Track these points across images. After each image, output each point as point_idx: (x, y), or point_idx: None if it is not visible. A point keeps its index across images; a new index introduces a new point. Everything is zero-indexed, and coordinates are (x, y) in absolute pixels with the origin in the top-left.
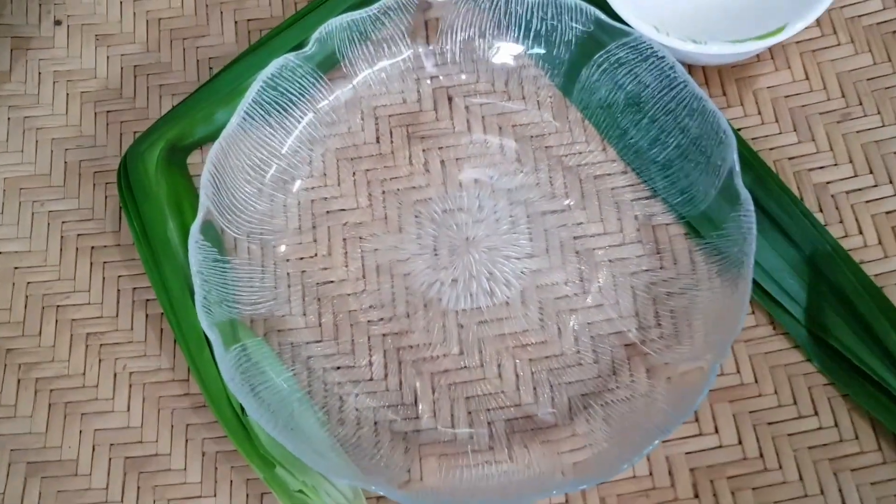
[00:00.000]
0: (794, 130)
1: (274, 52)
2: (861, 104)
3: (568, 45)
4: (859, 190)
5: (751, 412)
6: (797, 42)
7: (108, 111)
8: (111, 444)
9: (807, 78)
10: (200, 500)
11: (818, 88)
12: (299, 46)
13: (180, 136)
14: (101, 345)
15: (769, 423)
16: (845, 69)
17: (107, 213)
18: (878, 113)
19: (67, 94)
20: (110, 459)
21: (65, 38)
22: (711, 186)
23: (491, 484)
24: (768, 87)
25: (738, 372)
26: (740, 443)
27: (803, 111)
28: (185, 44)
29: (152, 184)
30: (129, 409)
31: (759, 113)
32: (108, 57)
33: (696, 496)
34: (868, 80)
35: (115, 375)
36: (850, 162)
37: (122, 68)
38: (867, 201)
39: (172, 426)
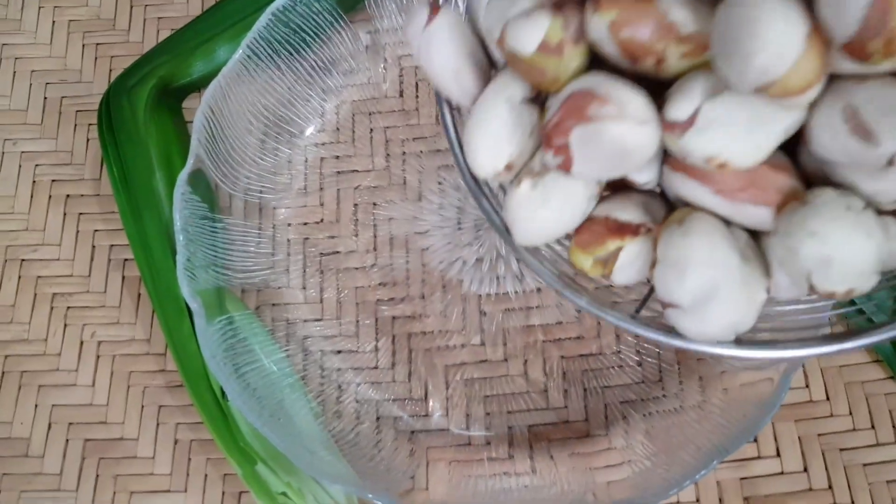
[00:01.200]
0: None
1: None
2: None
3: None
4: None
5: (820, 435)
6: None
7: (97, 43)
8: (70, 424)
9: None
10: (169, 496)
11: None
12: None
13: (174, 73)
14: (67, 307)
15: (841, 450)
16: None
17: (87, 159)
18: None
19: (54, 23)
20: (67, 441)
21: None
22: None
23: (509, 499)
24: None
25: (807, 387)
26: (805, 470)
27: None
28: None
29: (139, 126)
30: (93, 384)
31: None
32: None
33: None
34: None
35: (81, 344)
36: None
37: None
38: None
39: (143, 407)
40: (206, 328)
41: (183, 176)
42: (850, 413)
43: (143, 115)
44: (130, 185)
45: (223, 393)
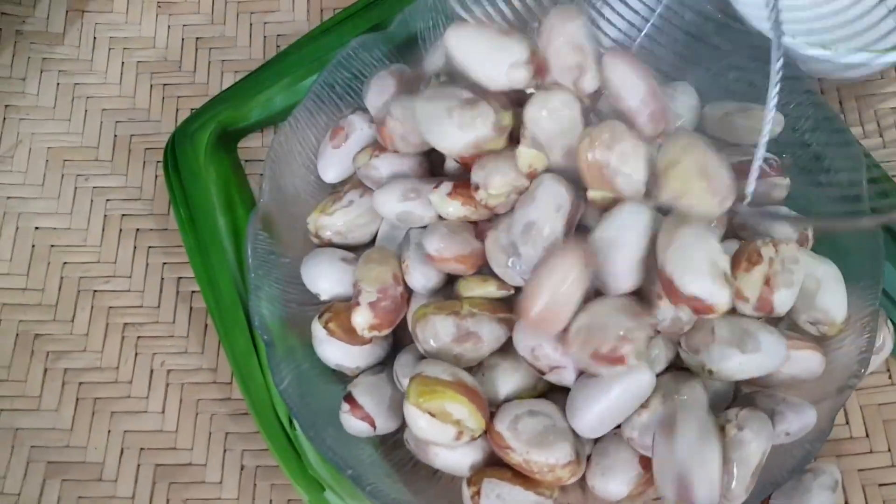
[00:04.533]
0: None
1: (348, 33)
2: None
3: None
4: None
5: (860, 471)
6: None
7: (164, 84)
8: (141, 449)
9: None
10: None
11: None
12: (375, 28)
13: (234, 118)
14: (138, 337)
15: (880, 485)
16: None
17: (156, 194)
18: None
19: (123, 63)
20: (139, 466)
21: (124, 3)
22: (835, 208)
23: None
24: (892, 108)
25: (848, 423)
26: None
27: None
28: (252, 18)
29: (201, 168)
30: (163, 411)
31: (881, 135)
32: (169, 26)
33: None
34: None
35: (151, 372)
36: None
37: (182, 39)
38: None
39: (210, 434)
40: (278, 359)
41: (255, 213)
42: (889, 450)
43: (204, 158)
44: (196, 224)
45: (291, 422)
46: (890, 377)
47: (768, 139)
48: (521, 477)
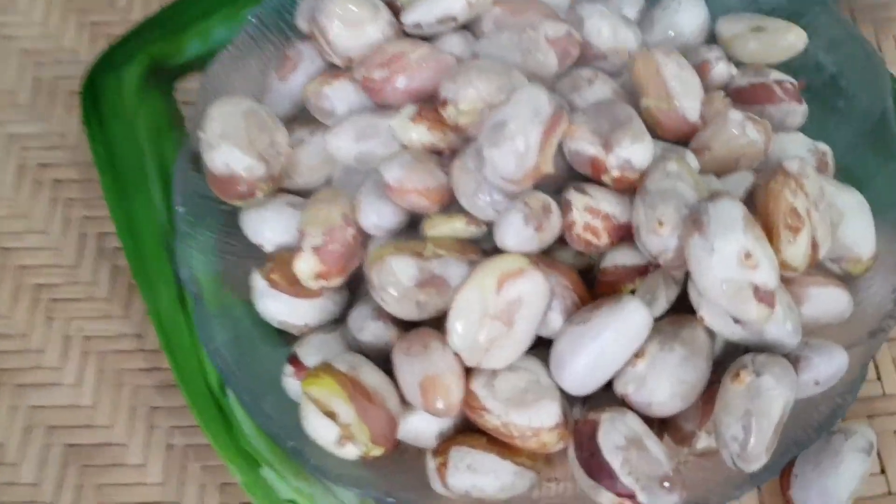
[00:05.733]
0: None
1: None
2: None
3: None
4: None
5: None
6: None
7: (92, 21)
8: (50, 427)
9: None
10: None
11: None
12: None
13: (166, 53)
14: (52, 299)
15: None
16: None
17: (79, 143)
18: None
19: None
20: (47, 446)
21: None
22: (856, 136)
23: None
24: None
25: (879, 379)
26: (883, 472)
27: None
28: None
29: (126, 106)
30: (78, 384)
31: None
32: None
33: None
34: None
35: (65, 339)
36: None
37: None
38: None
39: (133, 409)
40: (209, 316)
41: (185, 149)
42: None
43: (132, 96)
44: (117, 165)
45: (222, 389)
46: None
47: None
48: (497, 444)
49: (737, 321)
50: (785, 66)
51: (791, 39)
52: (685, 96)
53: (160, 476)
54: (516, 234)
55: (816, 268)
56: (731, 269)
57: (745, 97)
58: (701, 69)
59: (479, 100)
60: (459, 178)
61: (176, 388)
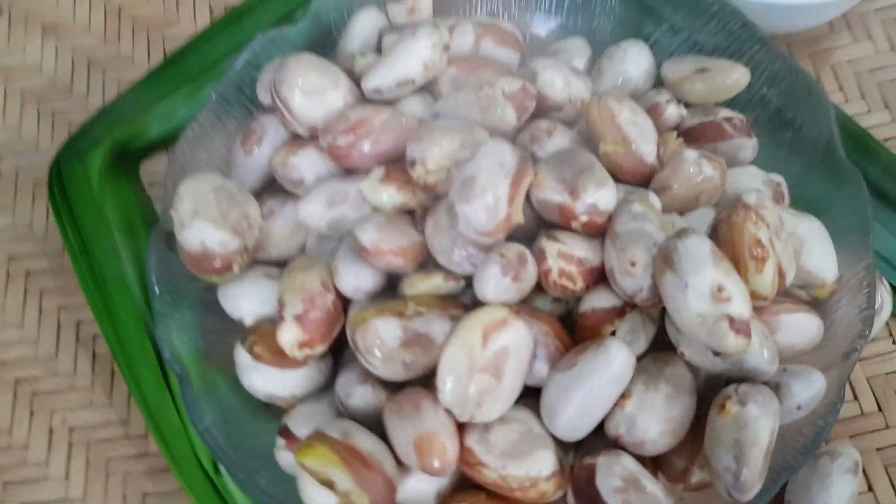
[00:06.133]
0: (887, 108)
1: (249, 29)
2: None
3: (610, 14)
4: None
5: (878, 450)
6: (876, 10)
7: (54, 112)
8: None
9: (893, 48)
10: None
11: None
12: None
13: (130, 134)
14: (33, 393)
15: None
16: None
17: (47, 232)
18: None
19: (6, 91)
20: None
21: (5, 27)
22: (807, 165)
23: None
24: (848, 61)
25: (856, 398)
26: (871, 489)
27: (894, 85)
28: (150, 34)
29: (94, 190)
30: (67, 476)
31: (842, 90)
32: (56, 49)
33: None
34: None
35: (50, 432)
36: None
37: (73, 62)
38: None
39: (125, 496)
40: (195, 396)
41: (157, 229)
42: None
43: (99, 182)
44: (90, 251)
45: (215, 468)
46: (894, 342)
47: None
48: (496, 498)
49: (716, 354)
50: (731, 103)
51: (735, 77)
52: (641, 140)
53: None
54: (495, 285)
55: (785, 296)
56: (705, 303)
57: (697, 136)
58: (652, 112)
59: (446, 157)
60: (434, 236)
61: (167, 472)
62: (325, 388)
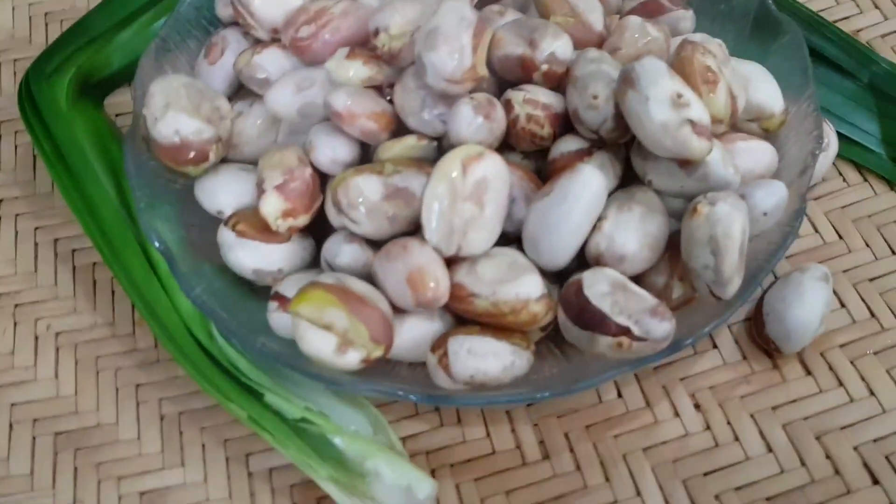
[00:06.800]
0: None
1: None
2: None
3: None
4: (894, 32)
5: (845, 271)
6: None
7: (14, 60)
8: (34, 420)
9: None
10: (164, 473)
11: None
12: None
13: (94, 64)
14: (15, 305)
15: (871, 280)
16: None
17: (17, 163)
18: None
19: None
20: (34, 438)
21: None
22: (742, 34)
23: None
24: None
25: (817, 231)
26: (843, 306)
27: None
28: None
29: (62, 109)
30: (56, 376)
31: None
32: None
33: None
34: None
35: (36, 339)
36: (877, 8)
37: (30, 18)
38: None
39: (117, 389)
40: (182, 273)
41: (131, 133)
42: (868, 245)
43: (67, 105)
44: (66, 157)
45: (209, 338)
46: (844, 180)
47: None
48: (490, 329)
49: (682, 165)
50: None
51: None
52: (589, 10)
53: (157, 445)
54: (469, 123)
55: (738, 128)
56: (666, 111)
57: (638, 14)
58: None
59: (408, 23)
60: (403, 99)
61: (158, 363)
62: (311, 265)
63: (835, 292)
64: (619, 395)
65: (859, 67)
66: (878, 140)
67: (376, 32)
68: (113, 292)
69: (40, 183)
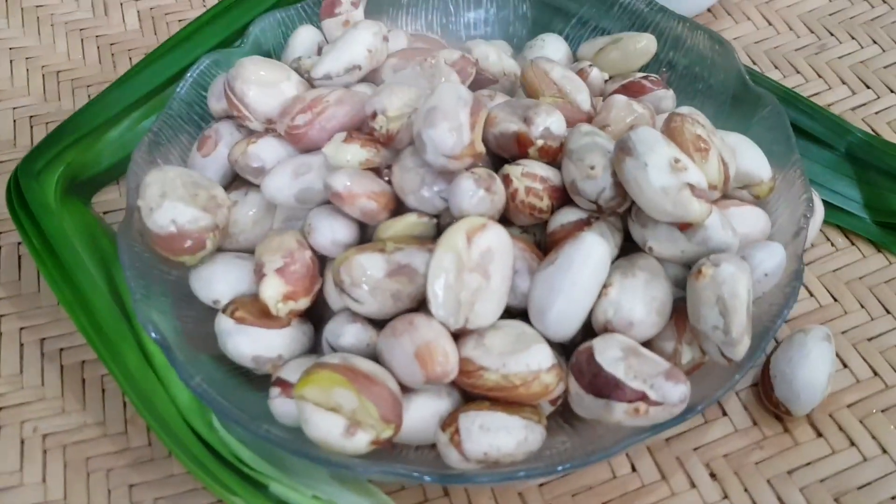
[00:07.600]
0: (776, 68)
1: (193, 51)
2: (833, 35)
3: (523, 19)
4: (863, 105)
5: (843, 333)
6: None
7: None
8: None
9: (769, 25)
10: None
11: (784, 31)
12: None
13: (83, 162)
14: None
15: (870, 339)
16: (804, 10)
17: (1, 264)
18: (853, 39)
19: None
20: None
21: None
22: (721, 108)
23: None
24: (735, 39)
25: (812, 295)
26: (846, 366)
27: (778, 52)
28: (89, 91)
29: (51, 205)
30: (44, 480)
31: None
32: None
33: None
34: (830, 15)
35: (21, 442)
36: (844, 83)
37: (14, 121)
38: (876, 112)
39: (109, 491)
40: (181, 361)
41: (125, 224)
42: (863, 306)
43: (56, 202)
44: (56, 251)
45: (209, 429)
46: (833, 244)
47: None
48: (500, 404)
49: (682, 229)
50: (645, 70)
51: (644, 43)
52: (576, 91)
53: None
54: (470, 196)
55: (729, 195)
56: (665, 176)
57: (621, 94)
58: (579, 76)
59: (405, 105)
60: (402, 178)
61: (152, 462)
62: (310, 350)
63: (836, 354)
64: (634, 469)
65: (836, 138)
66: (861, 205)
67: (374, 115)
68: (103, 390)
69: (25, 283)
